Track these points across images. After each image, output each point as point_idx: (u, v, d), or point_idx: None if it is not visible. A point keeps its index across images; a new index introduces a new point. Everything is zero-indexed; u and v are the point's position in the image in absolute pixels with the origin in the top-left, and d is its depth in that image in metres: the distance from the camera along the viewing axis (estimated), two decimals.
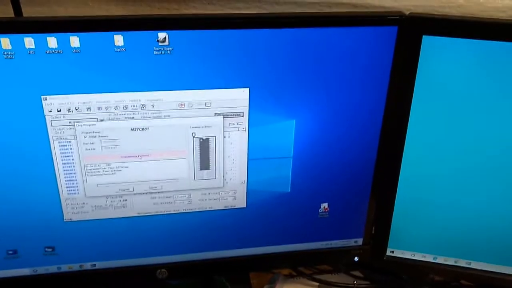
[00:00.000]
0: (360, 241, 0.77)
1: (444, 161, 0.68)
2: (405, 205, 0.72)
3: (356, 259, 0.78)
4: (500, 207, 0.70)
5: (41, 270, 0.71)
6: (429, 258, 0.76)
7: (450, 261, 0.76)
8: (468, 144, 0.66)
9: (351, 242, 0.77)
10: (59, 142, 0.61)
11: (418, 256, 0.76)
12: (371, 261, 0.79)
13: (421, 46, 0.61)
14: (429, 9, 0.82)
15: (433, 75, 0.63)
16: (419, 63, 0.62)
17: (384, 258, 0.77)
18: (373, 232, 0.76)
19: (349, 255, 0.78)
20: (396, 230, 0.75)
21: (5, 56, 0.55)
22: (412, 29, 0.61)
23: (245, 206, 0.71)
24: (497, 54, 0.60)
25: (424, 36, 0.61)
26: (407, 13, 0.62)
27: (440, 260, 0.76)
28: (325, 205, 0.73)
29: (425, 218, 0.73)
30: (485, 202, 0.70)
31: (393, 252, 0.77)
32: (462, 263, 0.75)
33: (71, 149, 0.62)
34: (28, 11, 0.79)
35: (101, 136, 0.62)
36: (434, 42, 0.61)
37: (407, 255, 0.77)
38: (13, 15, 0.76)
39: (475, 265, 0.75)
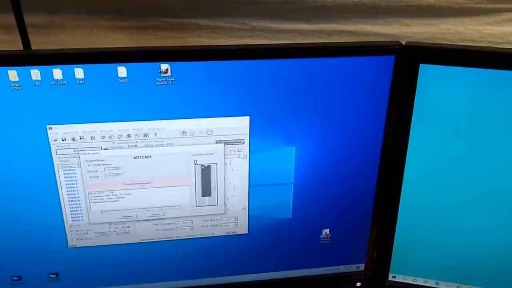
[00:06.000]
0: (362, 266, 0.77)
1: (444, 187, 0.68)
2: (407, 230, 0.73)
3: (358, 284, 0.78)
4: (502, 231, 0.70)
5: None
6: (431, 283, 0.76)
7: (452, 287, 0.75)
8: (467, 170, 0.66)
9: (353, 268, 0.77)
10: (63, 170, 0.63)
11: (420, 282, 0.76)
12: (373, 287, 0.79)
13: (419, 75, 0.62)
14: (428, 36, 0.84)
15: (431, 103, 0.63)
16: (416, 91, 0.63)
17: (386, 283, 0.77)
18: (375, 257, 0.76)
19: (351, 281, 0.78)
20: (398, 255, 0.75)
21: (12, 88, 0.57)
22: (409, 58, 0.62)
23: (246, 232, 0.71)
24: (494, 82, 0.61)
25: (421, 65, 0.62)
26: (404, 42, 0.63)
27: (442, 285, 0.76)
28: (327, 231, 0.73)
29: (427, 243, 0.73)
30: (487, 227, 0.70)
31: (395, 277, 0.77)
32: None
33: (75, 177, 0.63)
34: (37, 41, 0.80)
35: (105, 164, 0.63)
36: (431, 71, 0.62)
37: (409, 280, 0.76)
38: (21, 45, 0.78)
39: None
